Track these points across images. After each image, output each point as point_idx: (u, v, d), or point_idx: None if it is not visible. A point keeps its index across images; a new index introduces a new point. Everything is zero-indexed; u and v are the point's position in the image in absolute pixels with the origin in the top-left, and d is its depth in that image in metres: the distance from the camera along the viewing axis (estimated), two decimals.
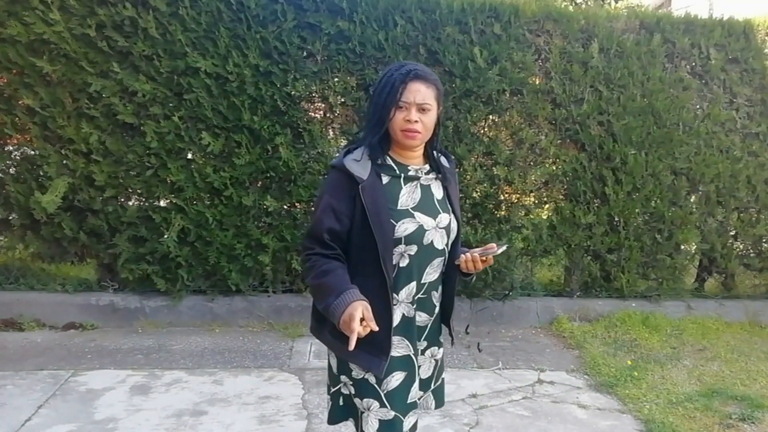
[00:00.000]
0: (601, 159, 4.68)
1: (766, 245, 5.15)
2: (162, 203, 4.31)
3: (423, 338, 1.84)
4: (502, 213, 4.68)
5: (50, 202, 3.99)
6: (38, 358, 3.67)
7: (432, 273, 1.77)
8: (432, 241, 1.73)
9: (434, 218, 1.74)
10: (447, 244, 1.78)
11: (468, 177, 4.48)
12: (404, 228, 1.67)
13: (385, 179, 1.71)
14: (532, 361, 4.00)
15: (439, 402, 1.97)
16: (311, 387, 3.40)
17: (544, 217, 4.83)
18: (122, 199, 4.32)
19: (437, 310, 1.85)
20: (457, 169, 4.42)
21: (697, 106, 4.85)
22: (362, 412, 1.78)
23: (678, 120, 4.74)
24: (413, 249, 1.70)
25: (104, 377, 3.45)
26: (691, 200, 4.95)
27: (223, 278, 4.34)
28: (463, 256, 1.77)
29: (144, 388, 3.34)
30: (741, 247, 5.17)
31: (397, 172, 1.73)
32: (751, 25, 4.85)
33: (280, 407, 3.17)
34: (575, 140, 4.69)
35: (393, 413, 1.76)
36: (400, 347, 1.76)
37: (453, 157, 1.94)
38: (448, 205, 1.81)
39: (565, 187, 4.79)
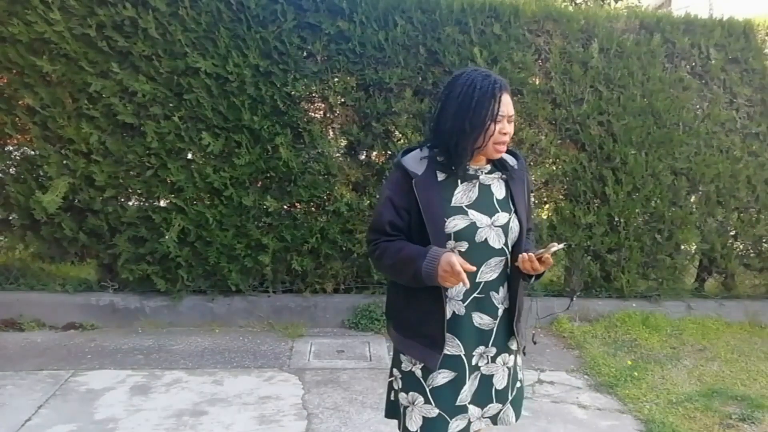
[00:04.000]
0: (601, 159, 4.68)
1: (766, 245, 5.15)
2: (162, 203, 4.31)
3: (491, 344, 1.79)
4: None
5: (51, 201, 3.99)
6: (38, 358, 3.67)
7: (489, 272, 1.75)
8: (486, 239, 1.72)
9: (490, 216, 1.73)
10: (506, 244, 1.76)
11: None
12: (454, 224, 1.69)
13: (440, 176, 1.73)
14: (532, 361, 3.99)
15: (519, 412, 1.89)
16: (311, 387, 3.40)
17: (544, 217, 4.83)
18: (122, 200, 4.31)
19: (500, 312, 1.79)
20: None
21: (697, 106, 4.85)
22: (406, 407, 1.78)
23: (678, 120, 4.74)
24: (464, 246, 1.71)
25: (104, 377, 3.45)
26: (691, 200, 4.95)
27: (223, 278, 4.34)
28: (521, 256, 1.71)
29: (144, 389, 3.34)
30: (741, 247, 5.17)
31: (454, 170, 1.74)
32: (751, 25, 4.85)
33: (280, 407, 3.17)
34: (575, 140, 4.69)
35: (437, 411, 1.75)
36: (450, 345, 1.75)
37: (522, 158, 1.89)
38: (510, 205, 1.78)
39: (565, 187, 4.79)
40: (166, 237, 4.17)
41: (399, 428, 1.83)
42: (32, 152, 4.20)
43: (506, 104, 1.68)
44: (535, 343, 1.88)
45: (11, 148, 4.27)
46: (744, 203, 4.97)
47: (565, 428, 3.10)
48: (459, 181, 1.74)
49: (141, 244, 4.24)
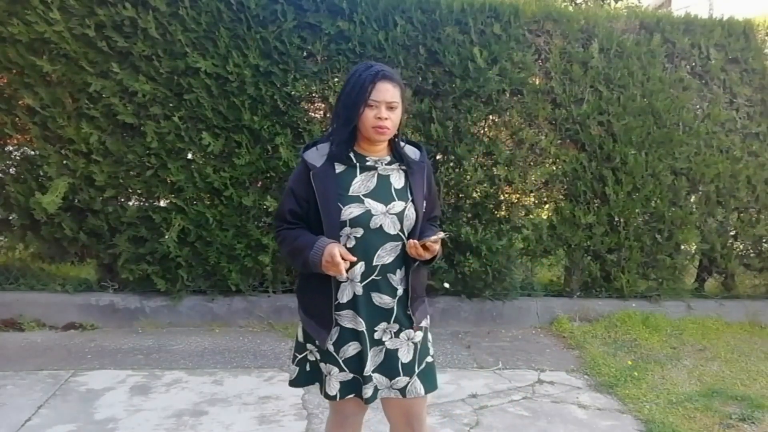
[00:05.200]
0: (601, 159, 4.68)
1: (766, 245, 5.15)
2: (162, 203, 4.32)
3: (393, 320, 1.92)
4: (502, 213, 4.68)
5: (51, 202, 3.99)
6: (38, 358, 3.67)
7: (385, 256, 1.88)
8: (381, 226, 1.86)
9: (386, 204, 1.86)
10: (402, 230, 1.89)
11: (468, 177, 4.48)
12: (350, 212, 1.83)
13: (339, 168, 1.87)
14: (532, 361, 4.00)
15: (429, 386, 2.00)
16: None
17: (544, 217, 4.83)
18: (122, 200, 4.32)
19: (400, 293, 1.92)
20: (457, 169, 4.46)
21: (697, 106, 4.85)
22: (325, 376, 1.96)
23: (678, 120, 4.74)
24: (359, 232, 1.85)
25: (104, 377, 3.45)
26: (691, 200, 4.95)
27: (223, 278, 4.34)
28: (408, 242, 1.85)
29: (144, 388, 3.34)
30: (741, 247, 5.17)
31: (354, 162, 1.88)
32: (751, 25, 4.85)
33: (280, 407, 3.17)
34: (575, 140, 4.69)
35: (352, 375, 1.93)
36: (355, 322, 1.90)
37: (423, 150, 2.04)
38: (408, 194, 1.92)
39: (565, 187, 4.79)
40: (166, 237, 4.17)
41: (321, 393, 2.01)
42: (32, 152, 4.21)
43: (383, 91, 1.80)
44: (422, 328, 1.99)
45: (11, 148, 4.27)
46: (744, 203, 4.97)
47: (565, 428, 3.10)
48: (358, 171, 1.88)
49: (141, 244, 4.24)
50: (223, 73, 4.10)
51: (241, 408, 3.15)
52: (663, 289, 4.94)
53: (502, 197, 4.66)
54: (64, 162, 4.13)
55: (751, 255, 5.17)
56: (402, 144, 1.97)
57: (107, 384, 3.36)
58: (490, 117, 4.56)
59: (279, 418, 3.06)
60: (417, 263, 1.90)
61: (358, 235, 1.84)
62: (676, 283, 4.98)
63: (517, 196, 4.75)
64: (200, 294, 4.44)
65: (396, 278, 1.91)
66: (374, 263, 1.87)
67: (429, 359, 2.01)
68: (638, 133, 4.65)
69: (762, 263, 5.14)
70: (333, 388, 1.93)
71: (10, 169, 4.25)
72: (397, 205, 1.88)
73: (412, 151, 1.99)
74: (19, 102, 4.10)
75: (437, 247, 1.84)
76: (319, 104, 4.47)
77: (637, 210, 4.77)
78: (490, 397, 3.41)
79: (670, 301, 4.92)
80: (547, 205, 4.89)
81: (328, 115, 4.46)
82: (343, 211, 1.82)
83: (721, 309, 4.94)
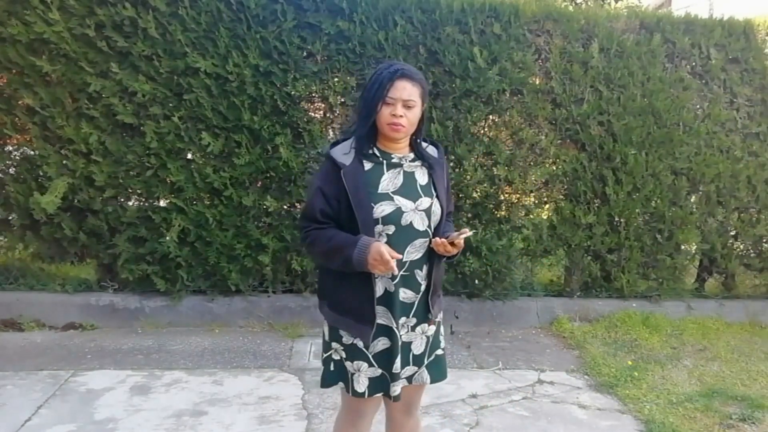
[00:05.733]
0: (601, 159, 4.68)
1: (766, 245, 5.15)
2: (162, 203, 4.31)
3: (411, 314, 1.95)
4: (502, 213, 4.68)
5: (50, 202, 3.99)
6: (38, 358, 3.67)
7: (414, 252, 1.90)
8: (411, 222, 1.88)
9: (414, 201, 1.89)
10: (429, 226, 1.92)
11: (468, 177, 4.48)
12: (381, 209, 1.84)
13: (367, 166, 1.89)
14: (532, 361, 4.00)
15: (437, 375, 2.04)
16: (311, 387, 3.40)
17: (545, 217, 4.83)
18: (122, 200, 4.31)
19: (423, 288, 1.95)
20: (457, 169, 4.47)
21: (697, 106, 4.85)
22: (353, 374, 1.95)
23: (678, 120, 4.74)
24: (391, 229, 1.86)
25: (104, 377, 3.45)
26: (691, 200, 4.95)
27: (223, 278, 4.34)
28: (434, 240, 1.88)
29: (144, 389, 3.34)
30: (741, 247, 5.17)
31: (380, 159, 1.90)
32: (751, 25, 4.85)
33: (280, 407, 3.17)
34: (575, 140, 4.69)
35: (381, 371, 1.94)
36: (384, 317, 1.92)
37: (441, 147, 2.07)
38: (432, 190, 1.95)
39: (565, 187, 4.79)
40: (167, 237, 4.17)
41: (348, 392, 1.98)
42: (32, 152, 4.20)
43: (400, 89, 1.83)
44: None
45: (11, 148, 4.27)
46: (744, 203, 4.97)
47: (565, 428, 3.10)
48: (385, 169, 1.90)
49: (141, 244, 4.24)
50: (223, 73, 4.10)
51: (241, 408, 3.15)
52: (663, 289, 4.94)
53: (502, 197, 4.66)
54: (64, 162, 4.13)
55: (752, 255, 5.17)
56: (425, 144, 2.00)
57: (107, 384, 3.36)
58: (490, 117, 4.56)
59: (279, 418, 3.06)
60: (443, 258, 1.93)
61: (390, 233, 1.86)
62: (676, 283, 4.98)
63: (517, 196, 4.74)
64: (200, 294, 4.44)
65: (422, 274, 1.93)
66: (404, 259, 1.88)
67: (439, 351, 2.06)
68: (638, 133, 4.65)
69: (762, 263, 5.13)
70: (362, 384, 1.93)
71: (10, 169, 4.25)
72: (425, 202, 1.90)
73: (430, 149, 2.02)
74: (19, 102, 4.09)
75: (462, 242, 1.87)
76: (319, 104, 4.46)
77: (637, 210, 4.77)
78: (490, 397, 3.41)
79: (670, 301, 4.92)
80: (547, 205, 4.89)
81: (328, 115, 4.46)
82: (375, 209, 1.83)
83: (721, 309, 4.94)
